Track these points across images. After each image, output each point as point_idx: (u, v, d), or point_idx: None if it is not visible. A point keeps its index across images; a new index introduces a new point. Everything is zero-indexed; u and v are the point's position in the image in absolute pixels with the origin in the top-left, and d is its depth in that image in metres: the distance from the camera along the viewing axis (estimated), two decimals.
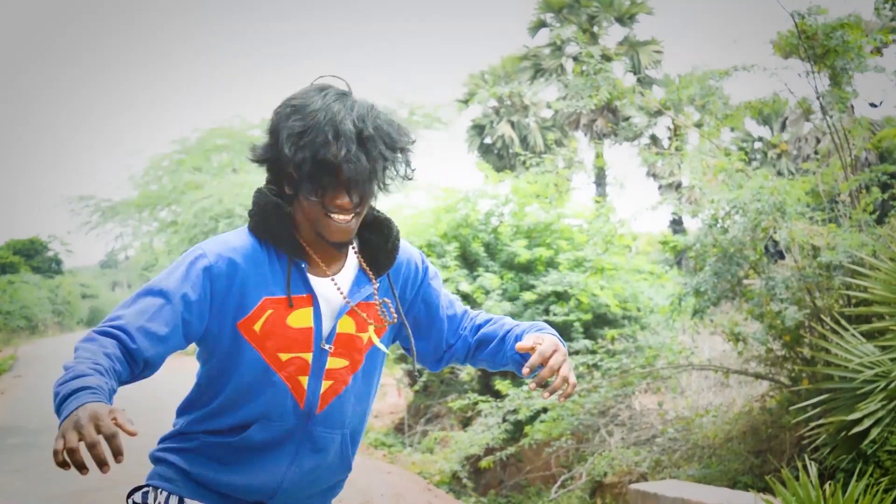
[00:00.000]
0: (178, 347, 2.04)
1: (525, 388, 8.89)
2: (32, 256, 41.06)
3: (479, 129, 29.60)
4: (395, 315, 2.17)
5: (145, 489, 2.15)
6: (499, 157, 28.49)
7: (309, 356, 2.07)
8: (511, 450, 8.88)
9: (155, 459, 2.20)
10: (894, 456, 5.89)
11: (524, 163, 12.25)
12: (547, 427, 8.65)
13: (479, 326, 2.31)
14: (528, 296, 10.63)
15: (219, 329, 2.05)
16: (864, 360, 5.60)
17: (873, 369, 5.52)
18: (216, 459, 2.10)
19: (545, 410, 8.82)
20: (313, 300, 2.07)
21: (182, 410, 2.19)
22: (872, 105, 8.62)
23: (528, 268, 11.18)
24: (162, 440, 2.22)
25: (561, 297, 10.78)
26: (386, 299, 2.17)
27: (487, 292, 10.72)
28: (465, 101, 28.50)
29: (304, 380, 2.07)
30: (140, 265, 23.90)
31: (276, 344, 2.04)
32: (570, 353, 10.00)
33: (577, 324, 10.59)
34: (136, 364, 1.93)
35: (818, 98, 7.54)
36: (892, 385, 5.26)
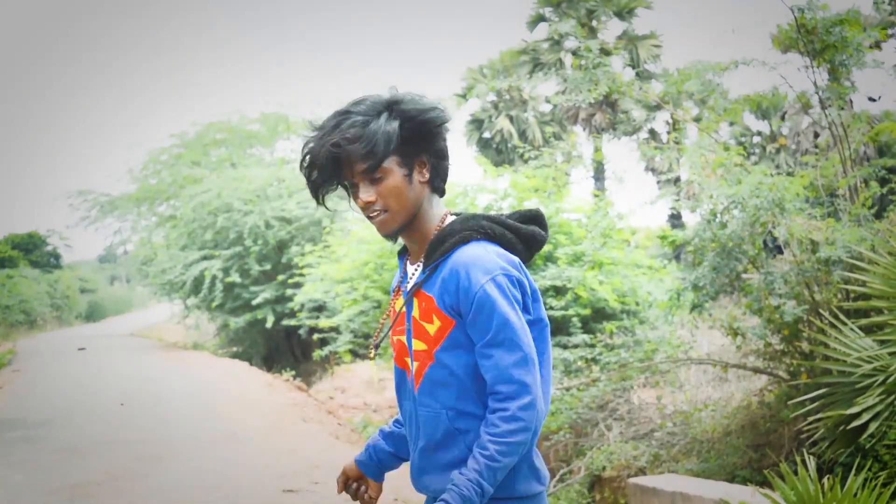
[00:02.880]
0: None
1: None
2: (31, 251, 41.04)
3: (477, 123, 29.58)
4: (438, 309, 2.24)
5: None
6: (497, 152, 28.47)
7: (405, 338, 2.31)
8: None
9: None
10: (893, 450, 5.91)
11: (522, 156, 12.24)
12: (545, 421, 8.66)
13: None
14: None
15: None
16: (863, 355, 5.60)
17: (872, 363, 5.52)
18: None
19: None
20: (400, 286, 2.36)
21: None
22: (871, 99, 8.62)
23: None
24: None
25: (559, 291, 10.79)
26: (430, 294, 2.25)
27: None
28: (464, 96, 28.50)
29: (409, 361, 2.30)
30: (139, 259, 23.84)
31: (393, 328, 2.36)
32: (570, 347, 10.00)
33: (575, 318, 10.60)
34: None
35: (817, 92, 7.54)
36: (891, 379, 5.26)
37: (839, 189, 7.76)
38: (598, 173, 25.18)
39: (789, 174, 8.26)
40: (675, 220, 25.03)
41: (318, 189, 2.29)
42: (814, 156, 9.30)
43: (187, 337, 25.52)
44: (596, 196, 12.38)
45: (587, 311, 10.73)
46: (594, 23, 27.06)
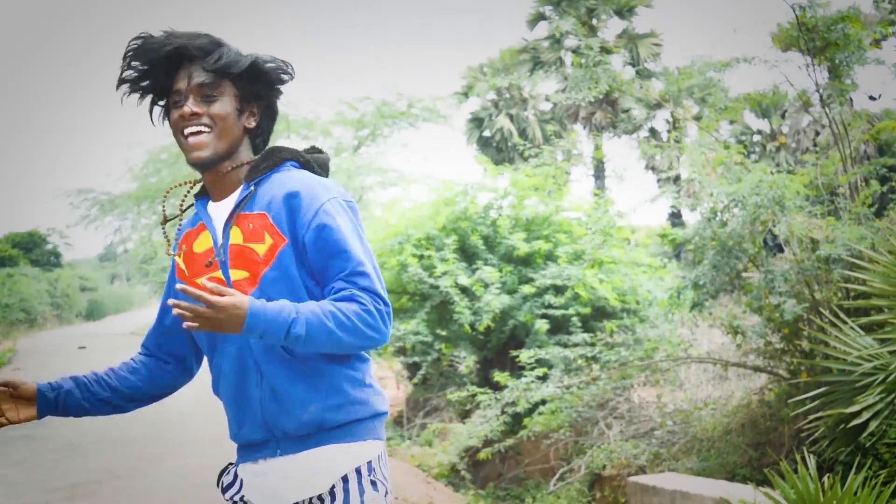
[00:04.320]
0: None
1: (524, 379, 8.91)
2: (31, 249, 41.02)
3: (477, 122, 29.56)
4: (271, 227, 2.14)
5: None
6: (497, 151, 28.46)
7: (219, 273, 2.17)
8: (509, 442, 8.89)
9: None
10: (893, 449, 5.90)
11: (522, 154, 12.23)
12: (545, 419, 8.66)
13: None
14: (526, 289, 10.63)
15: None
16: (863, 353, 5.60)
17: (872, 362, 5.52)
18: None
19: (543, 402, 8.84)
20: (206, 224, 2.22)
21: None
22: (871, 98, 8.62)
23: (526, 261, 11.18)
24: None
25: (559, 290, 10.79)
26: (261, 212, 2.16)
27: (486, 285, 10.72)
28: (465, 94, 28.47)
29: None
30: (139, 258, 23.85)
31: (192, 271, 2.22)
32: (570, 346, 10.00)
33: (575, 317, 10.60)
34: None
35: (818, 90, 7.53)
36: (891, 378, 5.26)
37: (839, 187, 7.76)
38: (598, 172, 25.18)
39: (790, 172, 8.26)
40: (676, 218, 25.03)
41: (130, 84, 2.20)
42: (814, 154, 9.30)
43: None
44: (596, 194, 12.38)
45: (587, 310, 10.73)
46: (594, 21, 27.05)
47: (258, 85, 2.22)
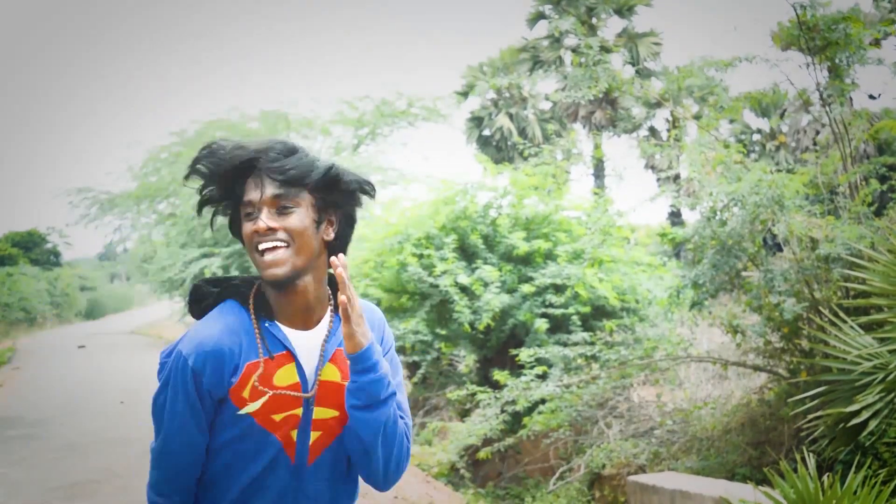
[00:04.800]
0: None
1: (524, 378, 8.91)
2: (31, 248, 41.02)
3: (477, 121, 29.57)
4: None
5: None
6: (497, 150, 28.46)
7: (300, 411, 2.04)
8: (509, 441, 8.89)
9: None
10: (892, 448, 5.90)
11: (522, 153, 12.23)
12: (545, 418, 8.66)
13: None
14: (526, 288, 10.63)
15: (218, 414, 2.05)
16: (863, 352, 5.60)
17: (871, 361, 5.52)
18: None
19: (543, 402, 8.83)
20: (293, 355, 2.04)
21: None
22: (871, 97, 8.62)
23: (526, 260, 11.18)
24: None
25: (559, 289, 10.79)
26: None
27: (486, 284, 10.72)
28: (464, 94, 28.47)
29: (294, 433, 2.05)
30: (138, 257, 23.84)
31: (269, 406, 2.01)
32: (569, 345, 10.01)
33: (575, 316, 10.60)
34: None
35: (818, 90, 7.53)
36: (891, 377, 5.26)
37: (839, 186, 7.76)
38: (598, 171, 25.19)
39: (789, 171, 8.26)
40: (675, 217, 25.04)
41: (207, 203, 2.08)
42: (814, 153, 9.30)
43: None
44: (596, 194, 12.38)
45: (587, 309, 10.73)
46: (594, 20, 27.06)
47: (336, 194, 2.06)
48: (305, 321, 2.07)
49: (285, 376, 2.03)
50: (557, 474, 8.81)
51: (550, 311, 10.58)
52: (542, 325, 10.36)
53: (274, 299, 2.06)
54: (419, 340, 11.08)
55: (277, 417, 2.02)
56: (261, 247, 1.99)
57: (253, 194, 2.00)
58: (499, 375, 9.48)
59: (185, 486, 2.07)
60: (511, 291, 10.82)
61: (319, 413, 2.05)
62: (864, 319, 6.02)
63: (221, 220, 2.14)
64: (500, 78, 26.18)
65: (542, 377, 9.16)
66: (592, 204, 11.38)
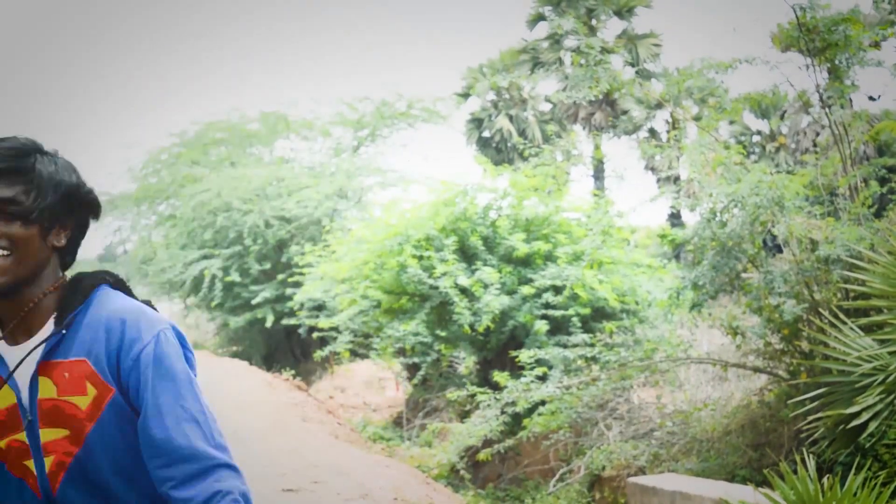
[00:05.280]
0: None
1: (524, 380, 8.90)
2: None
3: (477, 122, 29.56)
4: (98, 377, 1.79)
5: None
6: (497, 151, 28.45)
7: (23, 436, 1.79)
8: (509, 442, 8.88)
9: None
10: (892, 449, 5.90)
11: (522, 154, 12.24)
12: (545, 420, 8.66)
13: None
14: (526, 289, 10.63)
15: None
16: (863, 354, 5.60)
17: (871, 363, 5.52)
18: None
19: (543, 403, 8.83)
20: (3, 376, 1.80)
21: None
22: (871, 98, 8.62)
23: (526, 261, 11.17)
24: None
25: (559, 290, 10.78)
26: (80, 358, 1.80)
27: (486, 286, 10.71)
28: (464, 95, 28.48)
29: (31, 463, 1.80)
30: (138, 258, 23.83)
31: None
32: (569, 346, 10.01)
33: (574, 318, 10.60)
34: None
35: (818, 91, 7.53)
36: (891, 378, 5.26)
37: (839, 188, 7.75)
38: (598, 172, 25.18)
39: (789, 173, 8.26)
40: (675, 218, 25.03)
41: None
42: (814, 155, 9.30)
43: (187, 336, 25.51)
44: (595, 195, 12.39)
45: (587, 311, 10.73)
46: (594, 21, 27.06)
47: (69, 203, 1.84)
48: (23, 333, 1.82)
49: (2, 399, 1.80)
50: (557, 476, 8.80)
51: (550, 312, 10.58)
52: (541, 326, 10.36)
53: None
54: (419, 342, 11.08)
55: (2, 444, 1.80)
56: None
57: None
58: (499, 377, 9.48)
59: None
60: (511, 293, 10.81)
61: (46, 435, 1.79)
62: (864, 321, 6.02)
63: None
64: (499, 79, 26.22)
65: (542, 379, 9.16)
66: (592, 205, 11.39)
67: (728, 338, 8.33)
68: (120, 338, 1.79)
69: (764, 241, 7.82)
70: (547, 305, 10.66)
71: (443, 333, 11.06)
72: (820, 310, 6.96)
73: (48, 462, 1.80)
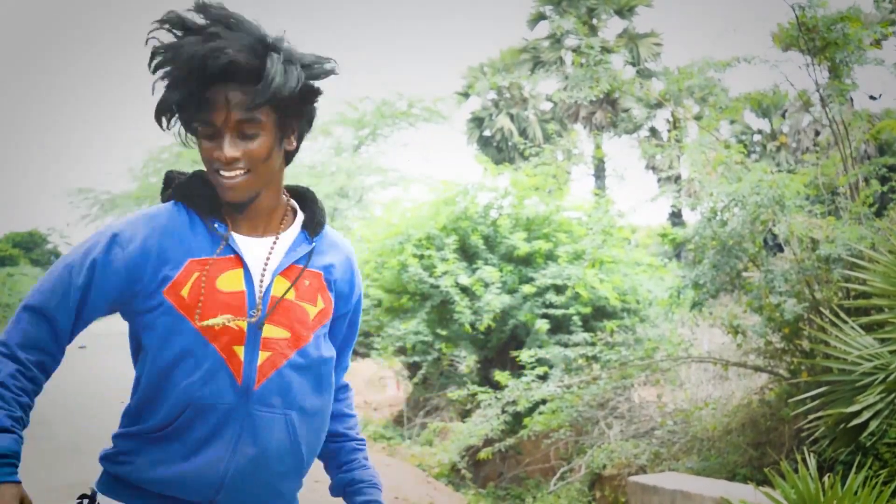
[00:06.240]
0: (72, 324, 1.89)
1: (524, 379, 8.91)
2: (31, 249, 41.05)
3: (478, 121, 29.57)
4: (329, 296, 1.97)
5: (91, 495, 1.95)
6: (498, 150, 28.46)
7: (244, 323, 1.83)
8: (510, 441, 8.89)
9: (102, 461, 2.00)
10: (893, 448, 5.91)
11: (523, 153, 12.24)
12: (546, 419, 8.66)
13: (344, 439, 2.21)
14: (527, 288, 10.63)
15: (143, 303, 1.85)
16: (864, 353, 5.60)
17: (872, 362, 5.52)
18: (153, 458, 1.86)
19: (544, 402, 8.83)
20: (241, 261, 1.86)
21: (124, 413, 1.98)
22: (872, 97, 8.62)
23: (527, 260, 11.18)
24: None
25: (560, 289, 10.78)
26: (318, 270, 1.95)
27: (486, 285, 10.72)
28: (465, 94, 28.49)
29: (240, 350, 1.83)
30: None
31: (207, 309, 1.81)
32: (570, 345, 10.01)
33: (575, 317, 10.60)
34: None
35: (818, 90, 7.53)
36: (891, 377, 5.26)
37: (840, 187, 7.75)
38: (599, 171, 25.19)
39: (790, 172, 8.26)
40: (676, 218, 25.04)
41: (171, 111, 1.85)
42: (814, 154, 9.29)
43: None
44: (596, 194, 12.38)
45: (588, 310, 10.73)
46: (595, 21, 27.07)
47: (302, 104, 1.89)
48: (260, 229, 1.92)
49: (230, 282, 1.84)
50: (558, 475, 8.80)
51: (551, 311, 10.58)
52: (542, 325, 10.36)
53: (227, 204, 1.90)
54: (420, 341, 11.08)
55: (218, 322, 1.82)
56: (221, 171, 1.82)
57: (216, 115, 1.80)
58: (499, 376, 9.48)
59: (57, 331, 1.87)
60: (512, 292, 10.81)
61: (269, 331, 1.85)
62: (864, 320, 6.02)
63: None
64: (500, 78, 26.20)
65: (543, 378, 9.16)
66: (593, 204, 11.39)
67: (729, 337, 8.33)
68: (352, 275, 2.03)
69: (765, 241, 7.82)
70: (548, 304, 10.66)
71: (443, 332, 11.07)
72: (821, 309, 6.96)
73: (262, 356, 1.84)
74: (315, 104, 1.94)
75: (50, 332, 1.86)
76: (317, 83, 1.90)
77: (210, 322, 1.81)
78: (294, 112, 1.88)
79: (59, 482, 7.20)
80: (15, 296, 31.43)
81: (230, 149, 1.80)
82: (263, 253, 1.89)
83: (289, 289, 1.89)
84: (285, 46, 1.84)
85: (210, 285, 1.82)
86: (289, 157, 1.95)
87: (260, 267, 1.88)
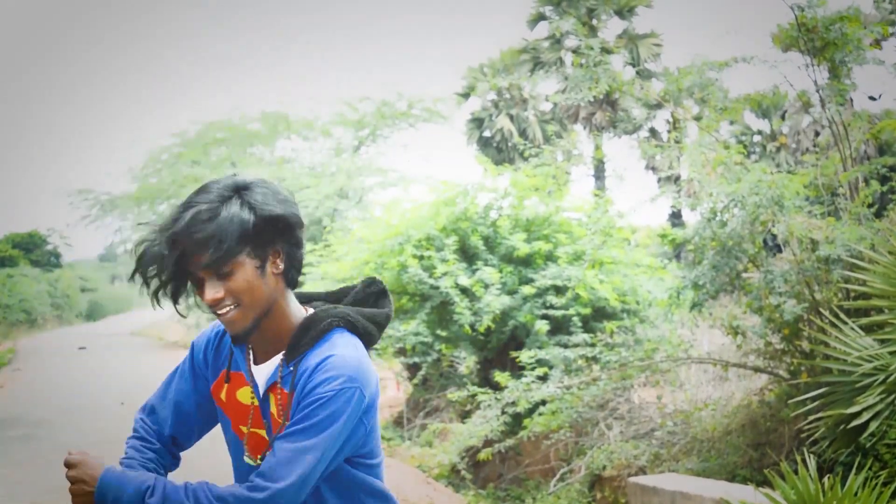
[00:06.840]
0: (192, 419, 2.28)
1: (524, 380, 8.90)
2: (31, 250, 41.01)
3: (478, 122, 29.58)
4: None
5: None
6: (498, 151, 28.47)
7: (265, 433, 2.10)
8: (510, 442, 8.89)
9: None
10: (893, 449, 5.91)
11: (523, 153, 12.24)
12: (546, 420, 8.66)
13: None
14: (526, 289, 10.63)
15: (207, 396, 2.23)
16: (863, 354, 5.60)
17: (872, 363, 5.52)
18: None
19: (544, 403, 8.83)
20: (249, 380, 2.11)
21: None
22: (871, 98, 8.61)
23: (526, 261, 11.18)
24: None
25: (560, 290, 10.78)
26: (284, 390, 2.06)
27: (486, 286, 10.72)
28: (465, 95, 28.50)
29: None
30: None
31: (236, 416, 2.15)
32: (570, 346, 10.00)
33: (575, 317, 10.60)
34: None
35: (818, 91, 7.53)
36: (891, 378, 5.26)
37: (839, 187, 7.75)
38: (599, 172, 25.21)
39: (789, 172, 8.26)
40: (676, 218, 25.04)
41: (161, 290, 2.02)
42: (814, 154, 9.30)
43: (188, 336, 25.53)
44: (596, 195, 12.38)
45: (587, 310, 10.72)
46: (594, 21, 27.08)
47: (272, 233, 1.99)
48: (265, 354, 2.11)
49: (246, 396, 2.13)
50: (558, 476, 8.80)
51: (551, 312, 10.58)
52: (542, 326, 10.36)
53: (233, 339, 2.10)
54: (419, 342, 11.08)
55: (244, 430, 2.14)
56: (216, 311, 2.01)
57: (191, 265, 1.97)
58: (499, 377, 9.48)
59: (160, 419, 2.24)
60: (512, 293, 10.81)
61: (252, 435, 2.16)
62: (864, 321, 6.02)
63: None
64: (500, 79, 26.26)
65: (543, 378, 9.16)
66: (593, 205, 11.38)
67: (728, 338, 8.33)
68: (305, 383, 2.00)
69: (764, 241, 7.82)
70: (547, 305, 10.66)
71: (443, 333, 11.06)
72: (820, 309, 6.96)
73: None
74: (295, 229, 2.03)
75: None
76: (280, 210, 1.99)
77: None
78: (264, 241, 1.99)
79: (58, 482, 7.19)
80: (15, 296, 31.42)
81: (211, 291, 1.97)
82: (262, 375, 2.11)
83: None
84: (248, 193, 1.99)
85: (233, 395, 2.15)
86: (288, 277, 2.06)
87: (261, 388, 2.10)
